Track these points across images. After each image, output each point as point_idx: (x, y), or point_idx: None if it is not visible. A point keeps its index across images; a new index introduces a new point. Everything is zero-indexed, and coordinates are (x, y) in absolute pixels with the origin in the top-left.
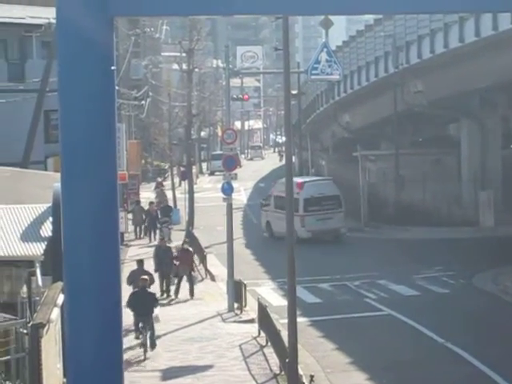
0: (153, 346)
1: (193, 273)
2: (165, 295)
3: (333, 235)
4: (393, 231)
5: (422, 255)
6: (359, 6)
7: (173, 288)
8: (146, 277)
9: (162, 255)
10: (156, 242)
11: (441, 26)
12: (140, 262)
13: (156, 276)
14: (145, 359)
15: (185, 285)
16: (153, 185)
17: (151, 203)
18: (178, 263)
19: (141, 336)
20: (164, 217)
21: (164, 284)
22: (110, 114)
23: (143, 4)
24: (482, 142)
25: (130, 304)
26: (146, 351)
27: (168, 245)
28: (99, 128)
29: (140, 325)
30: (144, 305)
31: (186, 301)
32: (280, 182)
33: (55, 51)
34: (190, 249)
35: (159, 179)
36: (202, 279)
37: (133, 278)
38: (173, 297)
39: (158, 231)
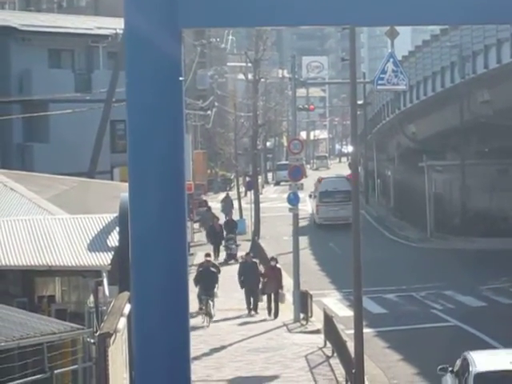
0: (210, 315)
1: (280, 291)
2: (252, 312)
3: (342, 223)
4: (459, 241)
5: (489, 266)
6: (425, 17)
7: (261, 305)
8: (209, 258)
9: (248, 271)
10: (219, 259)
11: (507, 36)
12: (207, 255)
13: (242, 292)
14: (209, 325)
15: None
16: (220, 195)
17: (216, 218)
18: (265, 280)
19: (203, 307)
20: (229, 233)
21: (251, 301)
22: (178, 124)
23: (211, 16)
24: None
25: (196, 280)
26: (210, 318)
27: (254, 260)
28: (167, 138)
29: (203, 297)
30: (208, 281)
31: (262, 321)
32: (326, 180)
33: (122, 62)
34: (278, 265)
35: (203, 197)
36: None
37: (198, 279)
38: (266, 317)
39: (222, 248)
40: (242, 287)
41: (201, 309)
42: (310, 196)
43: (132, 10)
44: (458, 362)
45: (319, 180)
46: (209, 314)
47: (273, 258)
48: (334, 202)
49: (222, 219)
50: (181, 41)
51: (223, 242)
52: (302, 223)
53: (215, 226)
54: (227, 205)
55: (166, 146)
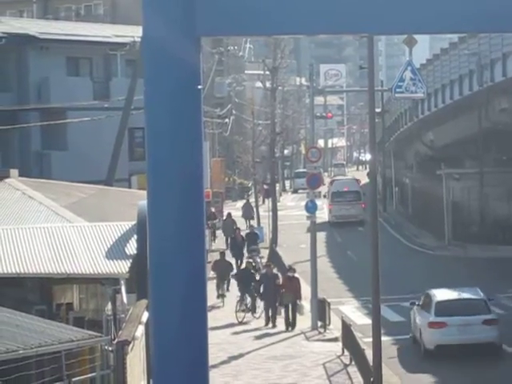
0: (254, 310)
1: (298, 302)
2: (270, 324)
3: (352, 220)
4: (477, 249)
5: (507, 274)
6: (443, 25)
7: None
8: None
9: (267, 283)
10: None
11: None
12: (222, 254)
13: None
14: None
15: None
16: (238, 203)
17: (238, 229)
18: (283, 291)
19: (243, 303)
20: (251, 244)
21: (270, 313)
22: (196, 132)
23: (230, 24)
24: None
25: (237, 277)
26: (246, 314)
27: (275, 271)
28: (186, 146)
29: (245, 295)
30: (247, 280)
31: (281, 332)
32: (338, 181)
33: (140, 69)
34: (296, 275)
35: (212, 209)
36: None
37: (215, 266)
38: (285, 329)
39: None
40: (261, 299)
41: (240, 301)
42: (324, 196)
43: (150, 18)
44: (422, 298)
45: (331, 181)
46: (247, 310)
47: (290, 268)
48: (344, 202)
49: (243, 226)
50: (199, 49)
51: (246, 254)
52: (319, 231)
53: (237, 237)
54: (247, 210)
55: (185, 154)
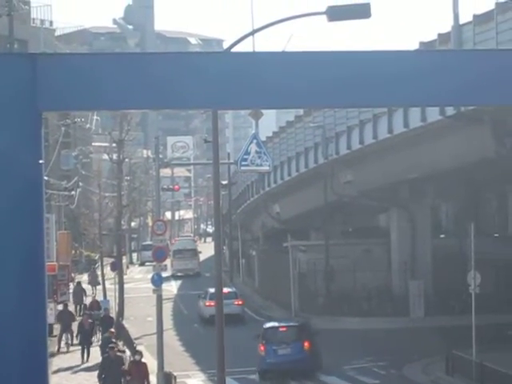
0: None
1: None
2: None
3: (190, 273)
4: (323, 321)
5: (353, 346)
6: (286, 100)
7: None
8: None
9: (111, 367)
10: (89, 363)
11: (370, 117)
12: (65, 305)
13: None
14: None
15: None
16: (84, 276)
17: (85, 314)
18: (128, 378)
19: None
20: (106, 330)
21: None
22: (37, 206)
23: (72, 99)
24: (411, 231)
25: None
26: None
27: (119, 354)
28: (26, 221)
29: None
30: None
31: None
32: (179, 241)
33: None
34: (144, 360)
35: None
36: None
37: (59, 317)
38: None
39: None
40: None
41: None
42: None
43: None
44: (203, 292)
45: (173, 240)
46: None
47: (137, 352)
48: (184, 258)
49: (89, 292)
50: (41, 124)
51: (94, 342)
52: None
53: (84, 323)
54: (93, 278)
55: (25, 228)
